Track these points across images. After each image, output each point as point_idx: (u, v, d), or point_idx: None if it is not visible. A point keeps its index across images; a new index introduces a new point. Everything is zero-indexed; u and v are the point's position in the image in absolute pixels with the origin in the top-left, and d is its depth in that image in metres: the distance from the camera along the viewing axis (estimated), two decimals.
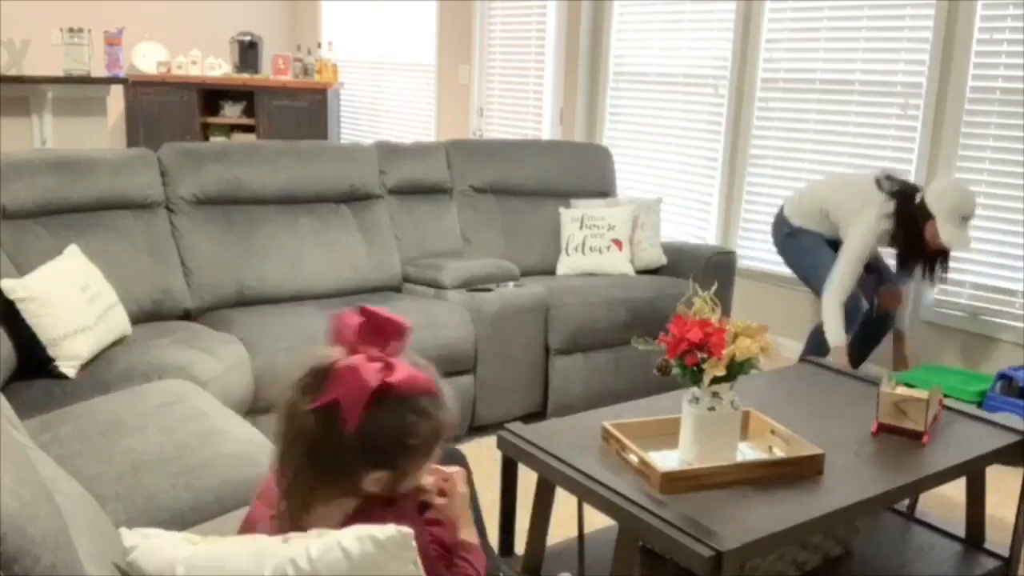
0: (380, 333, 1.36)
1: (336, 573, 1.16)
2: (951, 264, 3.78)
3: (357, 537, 1.18)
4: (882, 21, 4.27)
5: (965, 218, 3.54)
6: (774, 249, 4.15)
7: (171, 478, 2.00)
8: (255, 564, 1.18)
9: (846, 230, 3.76)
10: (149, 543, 1.26)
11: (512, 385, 3.64)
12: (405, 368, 1.34)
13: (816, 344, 3.83)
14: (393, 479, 1.36)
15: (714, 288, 2.18)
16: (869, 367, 4.16)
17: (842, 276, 3.67)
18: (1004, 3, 3.83)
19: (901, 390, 2.34)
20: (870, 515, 2.62)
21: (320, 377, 1.31)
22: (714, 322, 2.00)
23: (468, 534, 1.56)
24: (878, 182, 3.71)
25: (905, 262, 3.77)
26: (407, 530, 1.20)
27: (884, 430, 2.35)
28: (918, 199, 3.60)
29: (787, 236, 4.00)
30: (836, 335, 3.66)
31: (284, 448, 1.35)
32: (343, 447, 1.31)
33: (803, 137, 4.63)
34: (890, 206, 3.63)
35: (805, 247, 3.95)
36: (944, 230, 3.53)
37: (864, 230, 3.66)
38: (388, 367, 1.33)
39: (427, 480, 1.49)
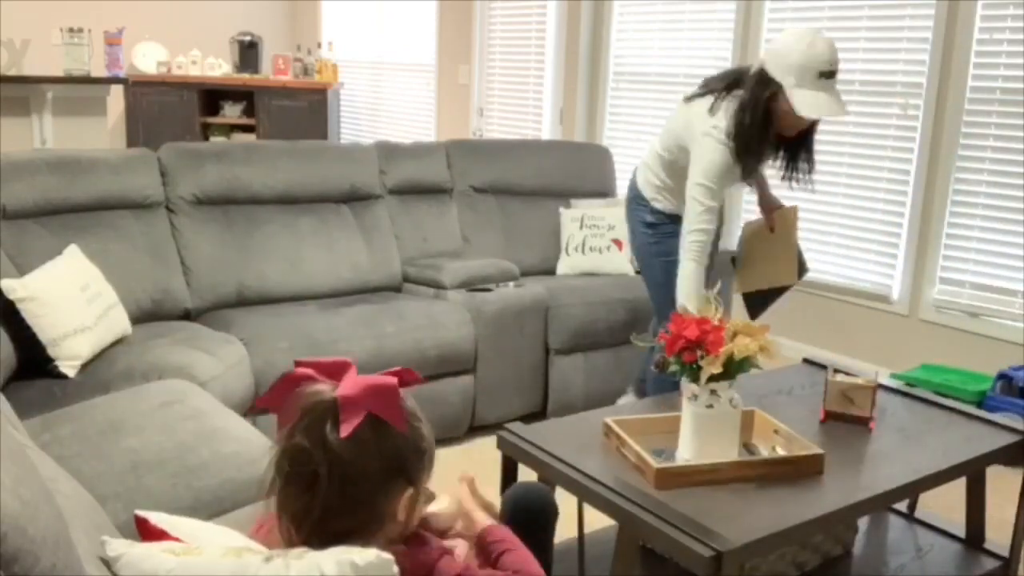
0: (332, 371, 1.34)
1: None
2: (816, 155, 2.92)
3: (337, 561, 1.17)
4: (882, 21, 4.27)
5: (824, 73, 2.60)
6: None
7: (171, 478, 2.00)
8: None
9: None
10: (133, 553, 1.26)
11: (512, 385, 3.64)
12: (391, 371, 1.34)
13: (655, 389, 3.10)
14: (413, 499, 1.34)
15: (717, 288, 2.19)
16: (860, 365, 4.16)
17: (699, 214, 2.79)
18: (1004, 3, 3.83)
19: (844, 378, 2.43)
20: (870, 515, 2.62)
21: (328, 409, 1.26)
22: (713, 321, 2.00)
23: (480, 517, 1.58)
24: (697, 93, 2.87)
25: (742, 156, 2.76)
26: (387, 555, 1.19)
27: (831, 417, 2.41)
28: (753, 71, 2.72)
29: (648, 226, 3.14)
30: (691, 299, 2.83)
31: (305, 499, 1.26)
32: (372, 472, 1.27)
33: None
34: (719, 105, 2.73)
35: (671, 251, 3.05)
36: (798, 97, 2.58)
37: (708, 145, 2.72)
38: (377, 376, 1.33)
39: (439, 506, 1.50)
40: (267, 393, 1.33)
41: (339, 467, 1.25)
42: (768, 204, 3.27)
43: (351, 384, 1.28)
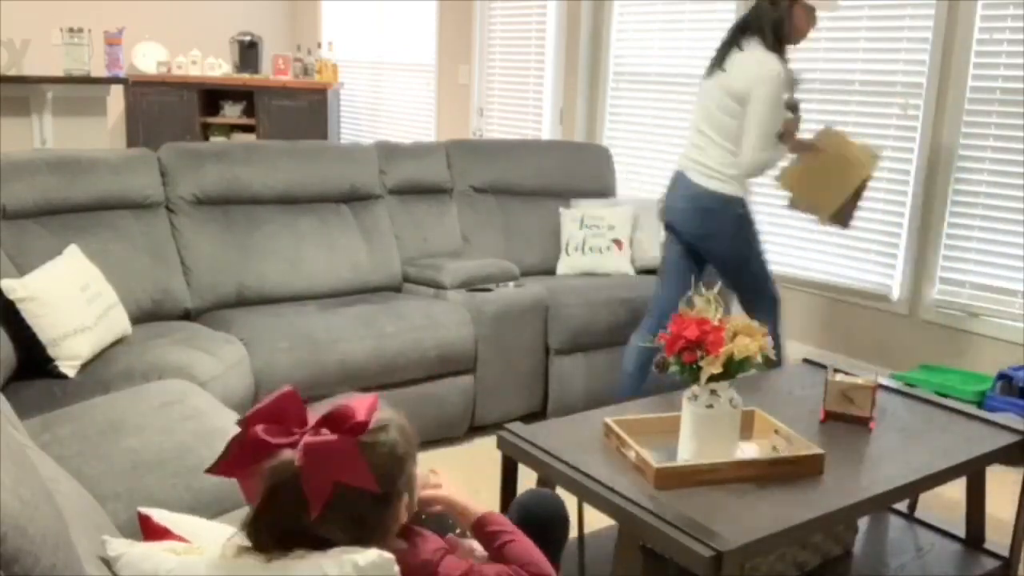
0: (280, 413, 1.30)
1: None
2: None
3: (339, 562, 1.17)
4: (882, 21, 4.27)
5: None
6: (729, 246, 3.36)
7: (171, 478, 2.00)
8: None
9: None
10: (133, 553, 1.26)
11: (512, 385, 3.64)
12: (345, 408, 1.29)
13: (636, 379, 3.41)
14: (409, 498, 1.36)
15: (718, 287, 2.19)
16: (860, 365, 4.15)
17: (765, 138, 3.19)
18: (1004, 3, 3.83)
19: (844, 378, 2.42)
20: (870, 515, 2.62)
21: (296, 488, 1.23)
22: (713, 321, 2.00)
23: (477, 506, 1.58)
24: (718, 62, 3.27)
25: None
26: (388, 555, 1.20)
27: (831, 417, 2.42)
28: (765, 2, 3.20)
29: (741, 217, 3.33)
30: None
31: (305, 549, 1.25)
32: (366, 510, 1.28)
33: (803, 137, 4.62)
34: (752, 43, 3.20)
35: (757, 235, 3.37)
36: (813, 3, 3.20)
37: (767, 74, 3.16)
38: (332, 420, 1.28)
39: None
40: (222, 460, 1.29)
41: (328, 532, 1.24)
42: (802, 143, 3.48)
43: (309, 451, 1.24)
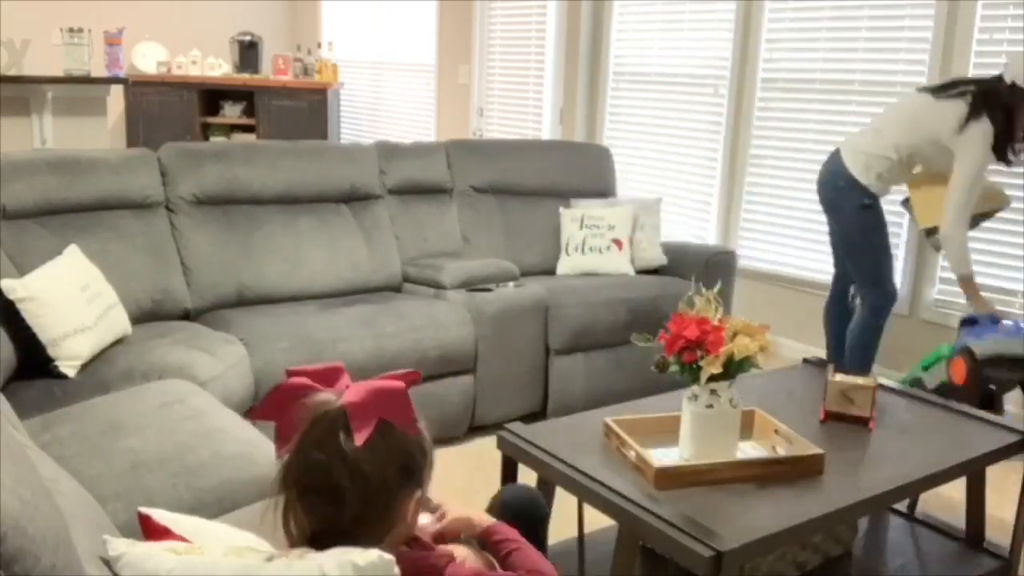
0: (325, 377, 1.32)
1: None
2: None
3: (339, 562, 1.17)
4: (882, 21, 4.27)
5: None
6: (835, 227, 3.80)
7: (171, 478, 2.00)
8: None
9: (939, 161, 3.57)
10: (134, 553, 1.26)
11: (512, 385, 3.64)
12: (392, 374, 1.32)
13: (860, 354, 3.77)
14: (420, 500, 1.34)
15: (718, 287, 2.19)
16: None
17: (964, 206, 3.45)
18: (1004, 3, 3.83)
19: (844, 378, 2.43)
20: (870, 515, 2.62)
21: (338, 418, 1.24)
22: (713, 320, 2.00)
23: (482, 518, 1.59)
24: (941, 91, 3.52)
25: (1003, 153, 3.53)
26: (388, 556, 1.19)
27: (831, 417, 2.42)
28: (1005, 84, 3.40)
29: (865, 208, 3.67)
30: (967, 265, 3.51)
31: (328, 512, 1.25)
32: (389, 478, 1.26)
33: (803, 137, 4.63)
34: (982, 113, 3.41)
35: (884, 223, 3.71)
36: None
37: (976, 150, 3.42)
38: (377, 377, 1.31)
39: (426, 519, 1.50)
40: (262, 404, 1.31)
41: (360, 477, 1.23)
42: None
43: (357, 390, 1.26)
